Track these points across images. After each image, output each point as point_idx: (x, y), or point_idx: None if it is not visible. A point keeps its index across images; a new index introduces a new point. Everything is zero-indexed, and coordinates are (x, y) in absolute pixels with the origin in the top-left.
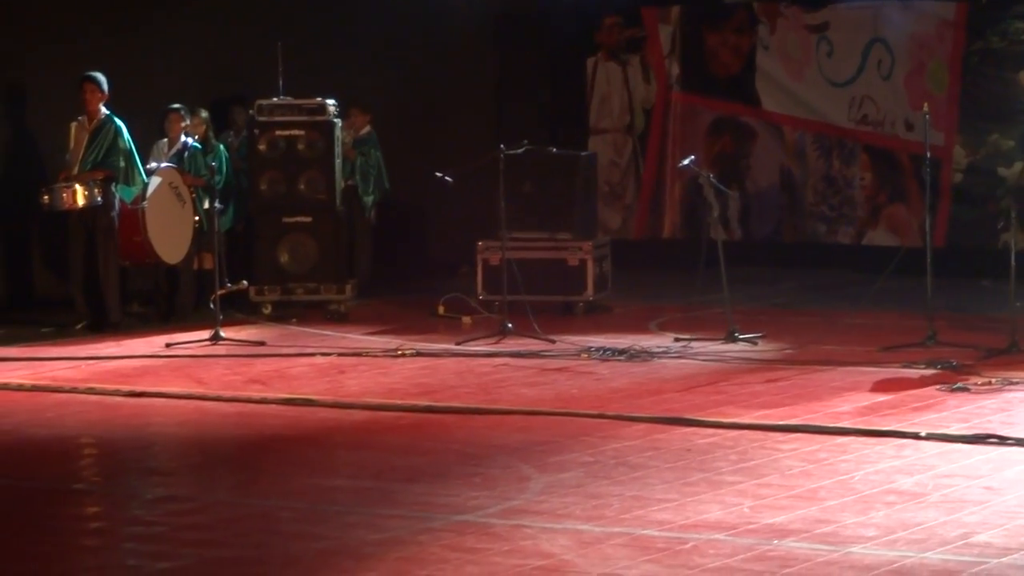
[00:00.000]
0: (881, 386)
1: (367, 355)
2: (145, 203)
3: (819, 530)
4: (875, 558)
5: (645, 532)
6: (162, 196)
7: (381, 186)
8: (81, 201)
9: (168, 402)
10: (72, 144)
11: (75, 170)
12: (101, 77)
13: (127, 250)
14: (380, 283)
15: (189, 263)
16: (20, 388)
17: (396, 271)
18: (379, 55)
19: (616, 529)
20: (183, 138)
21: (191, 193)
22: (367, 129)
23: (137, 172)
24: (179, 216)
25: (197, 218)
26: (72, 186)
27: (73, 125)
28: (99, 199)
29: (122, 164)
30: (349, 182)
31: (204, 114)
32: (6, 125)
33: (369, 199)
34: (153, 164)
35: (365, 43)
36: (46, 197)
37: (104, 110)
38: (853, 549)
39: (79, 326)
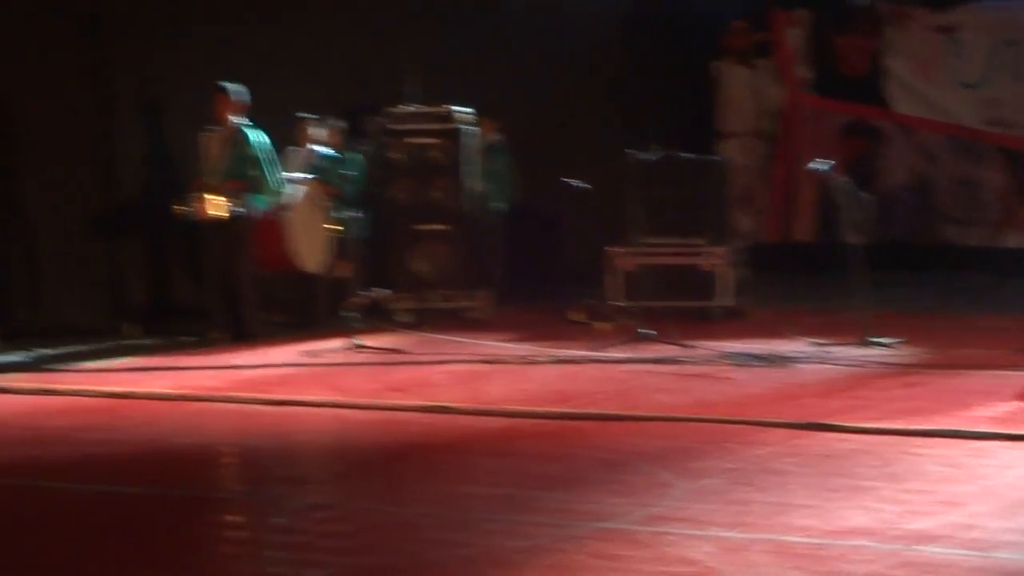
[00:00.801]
0: (1021, 390)
1: (504, 362)
2: (287, 211)
3: (964, 535)
4: (1022, 563)
5: (788, 538)
6: (303, 205)
7: (510, 192)
8: (214, 211)
9: (308, 410)
10: (206, 154)
11: (209, 180)
12: (234, 87)
13: (269, 258)
14: (515, 290)
15: (327, 270)
16: (163, 397)
17: (530, 278)
18: (508, 62)
19: (759, 535)
20: (316, 147)
21: (328, 202)
22: (495, 136)
23: (271, 181)
24: (317, 224)
25: (333, 226)
26: (205, 197)
27: (206, 135)
28: (233, 209)
29: (254, 173)
30: (478, 189)
31: (339, 124)
32: (144, 135)
33: (498, 205)
34: (291, 174)
35: (494, 50)
36: (180, 208)
37: (238, 119)
38: (999, 555)
39: (218, 335)
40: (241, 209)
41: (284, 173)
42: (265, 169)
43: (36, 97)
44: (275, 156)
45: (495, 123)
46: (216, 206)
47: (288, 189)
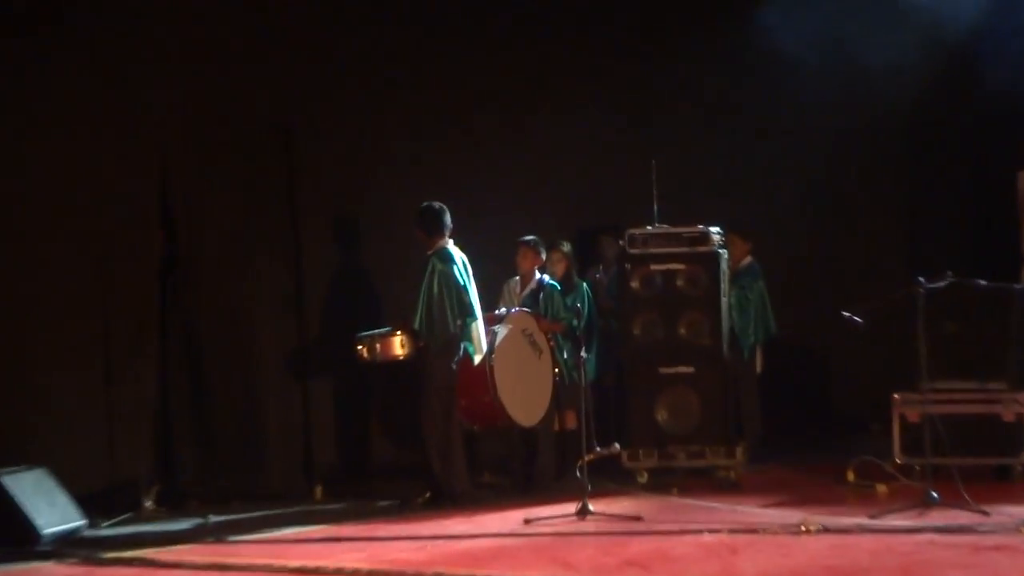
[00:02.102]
0: None
1: (764, 532)
2: (492, 356)
3: None
4: None
5: None
6: (513, 346)
7: (766, 327)
8: (399, 351)
9: None
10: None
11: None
12: (427, 211)
13: (474, 411)
14: (775, 444)
15: (549, 424)
16: (358, 574)
17: (794, 430)
18: (765, 172)
19: None
20: (537, 275)
21: (549, 340)
22: (748, 259)
23: (452, 319)
24: (535, 369)
25: (557, 370)
26: (391, 336)
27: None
28: (414, 351)
29: (425, 313)
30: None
31: (566, 247)
32: (336, 263)
33: (750, 341)
34: (503, 309)
35: (748, 160)
36: (362, 348)
37: (443, 245)
38: None
39: (422, 499)
40: (438, 352)
41: (498, 308)
42: (449, 304)
43: (215, 219)
44: (465, 288)
45: (747, 244)
46: (401, 346)
47: (499, 329)
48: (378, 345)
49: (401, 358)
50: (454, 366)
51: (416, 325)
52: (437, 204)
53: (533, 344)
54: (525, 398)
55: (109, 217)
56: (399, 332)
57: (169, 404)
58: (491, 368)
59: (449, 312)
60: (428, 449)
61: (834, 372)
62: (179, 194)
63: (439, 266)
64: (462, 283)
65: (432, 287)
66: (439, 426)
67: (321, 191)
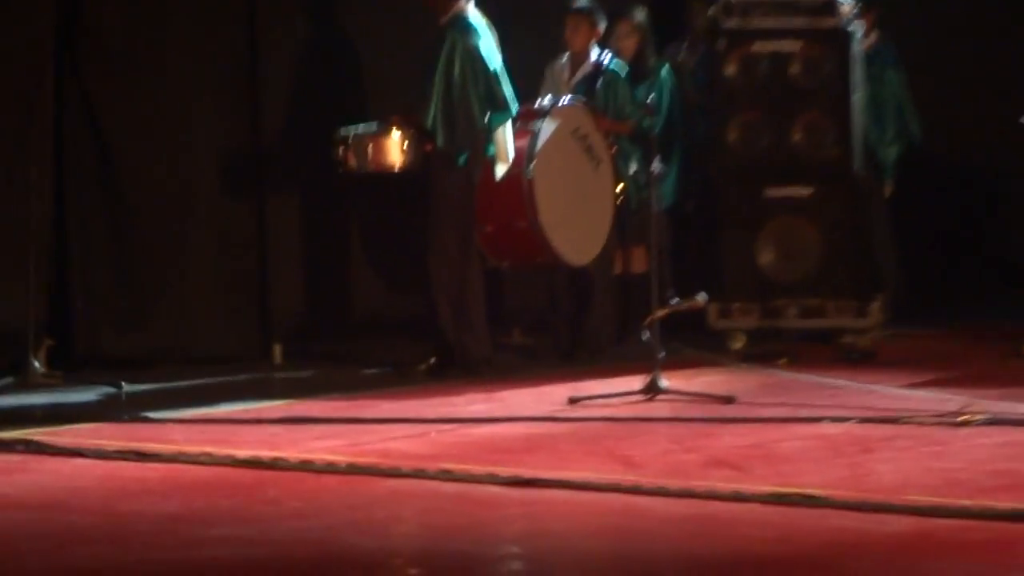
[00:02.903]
0: None
1: (909, 422)
2: (532, 166)
3: None
4: None
5: None
6: (561, 152)
7: (906, 133)
8: (398, 157)
9: (575, 495)
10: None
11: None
12: None
13: (503, 242)
14: (921, 301)
15: (607, 264)
16: (332, 469)
17: (948, 282)
18: None
19: None
20: (595, 54)
21: (610, 146)
22: (874, 37)
23: (480, 110)
24: (590, 186)
25: (621, 188)
26: (386, 135)
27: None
28: (419, 156)
29: (441, 105)
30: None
31: (639, 17)
32: (307, 36)
33: (890, 153)
34: (547, 100)
35: None
36: (345, 151)
37: (462, 11)
38: None
39: (424, 366)
40: (450, 158)
41: (546, 99)
42: (475, 94)
43: None
44: (495, 72)
45: (870, 14)
46: (400, 150)
47: (541, 127)
48: (369, 148)
49: (399, 167)
50: (475, 179)
51: (428, 122)
52: None
53: (588, 150)
54: (575, 226)
55: None
56: (398, 129)
57: (67, 228)
58: (530, 182)
59: (476, 104)
60: (435, 296)
61: (1005, 202)
62: None
63: (460, 41)
64: (491, 65)
65: (451, 70)
66: (452, 264)
67: None
